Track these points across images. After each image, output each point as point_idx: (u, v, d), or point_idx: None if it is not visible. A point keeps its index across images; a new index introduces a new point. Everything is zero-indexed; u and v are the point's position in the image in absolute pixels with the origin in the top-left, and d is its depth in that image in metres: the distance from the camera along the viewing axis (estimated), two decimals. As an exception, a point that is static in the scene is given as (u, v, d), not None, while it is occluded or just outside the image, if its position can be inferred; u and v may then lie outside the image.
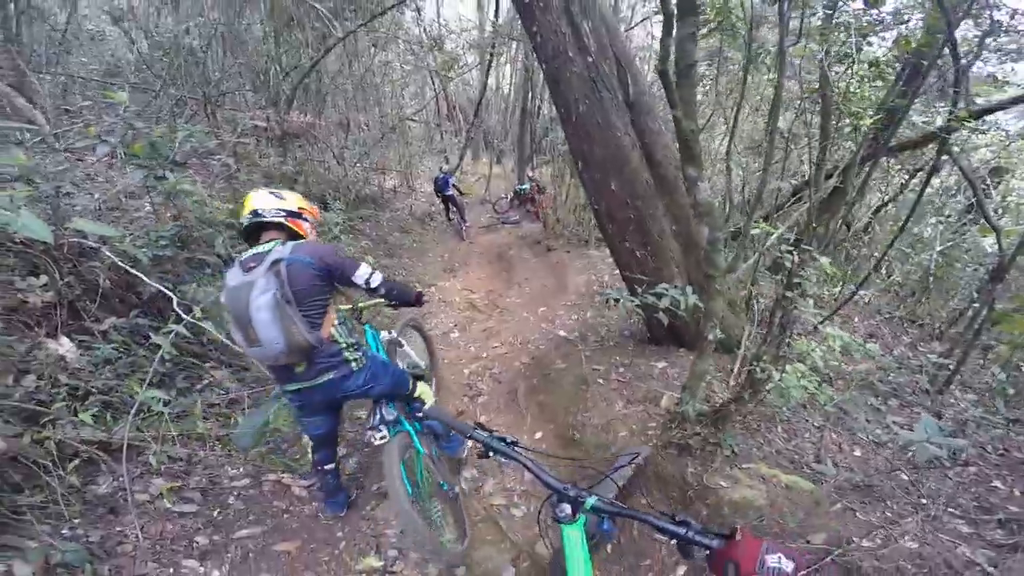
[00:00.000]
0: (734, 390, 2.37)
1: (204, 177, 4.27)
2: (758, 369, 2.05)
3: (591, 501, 1.08)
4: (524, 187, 10.68)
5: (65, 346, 2.28)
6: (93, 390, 2.47)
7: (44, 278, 2.59)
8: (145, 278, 2.42)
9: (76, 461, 2.18)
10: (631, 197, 3.20)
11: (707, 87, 6.86)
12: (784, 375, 1.94)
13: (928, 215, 5.35)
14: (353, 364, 2.04)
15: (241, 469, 2.59)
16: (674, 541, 0.96)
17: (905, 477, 2.31)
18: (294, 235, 2.00)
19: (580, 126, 3.18)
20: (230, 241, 3.34)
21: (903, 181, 5.28)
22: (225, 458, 2.61)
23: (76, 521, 2.07)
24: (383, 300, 2.24)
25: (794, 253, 2.12)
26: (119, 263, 2.56)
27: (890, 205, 5.45)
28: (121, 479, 2.19)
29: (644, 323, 3.93)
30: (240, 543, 2.22)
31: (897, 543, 1.83)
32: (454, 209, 9.99)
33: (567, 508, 1.09)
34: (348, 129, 9.28)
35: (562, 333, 4.59)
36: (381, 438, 2.14)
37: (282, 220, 1.96)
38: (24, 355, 2.36)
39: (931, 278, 4.84)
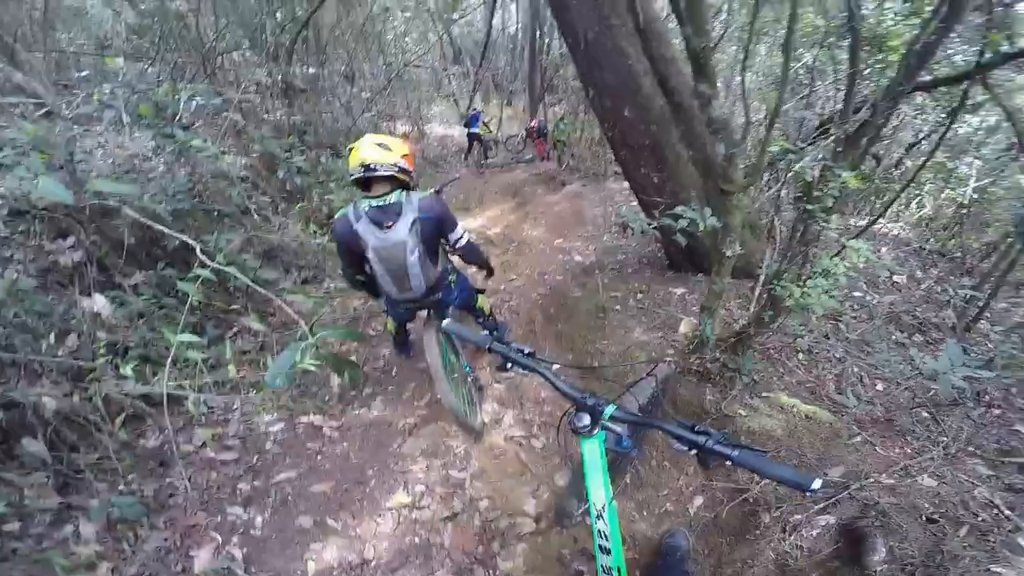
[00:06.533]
0: (754, 313, 2.34)
1: (213, 134, 4.27)
2: (778, 287, 2.01)
3: (610, 410, 1.09)
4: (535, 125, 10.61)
5: (99, 302, 2.33)
6: (131, 344, 2.58)
7: (71, 239, 2.66)
8: (167, 230, 2.47)
9: (123, 416, 2.27)
10: (645, 123, 3.14)
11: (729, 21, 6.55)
12: (805, 291, 1.89)
13: (966, 153, 5.09)
14: (452, 284, 2.49)
15: (275, 414, 2.70)
16: (693, 451, 0.96)
17: (926, 414, 2.26)
18: (401, 183, 2.20)
19: (590, 55, 3.08)
20: (245, 192, 3.37)
21: (939, 118, 5.00)
22: (260, 404, 2.73)
23: (130, 476, 2.18)
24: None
25: (813, 166, 2.03)
26: (140, 219, 2.60)
27: (924, 142, 5.19)
28: (166, 432, 2.29)
29: (662, 249, 3.90)
30: (279, 487, 2.32)
31: (915, 480, 1.80)
32: (479, 147, 10.29)
33: (586, 418, 1.10)
34: (353, 79, 9.11)
35: (579, 259, 4.58)
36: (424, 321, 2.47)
37: (394, 174, 2.12)
38: (63, 315, 2.46)
39: (965, 212, 4.65)
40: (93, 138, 3.87)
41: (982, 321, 3.12)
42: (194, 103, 3.48)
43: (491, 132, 10.84)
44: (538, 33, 11.80)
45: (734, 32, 6.79)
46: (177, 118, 3.26)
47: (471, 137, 10.28)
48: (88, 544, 1.87)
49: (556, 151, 9.41)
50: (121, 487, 2.13)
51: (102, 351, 2.33)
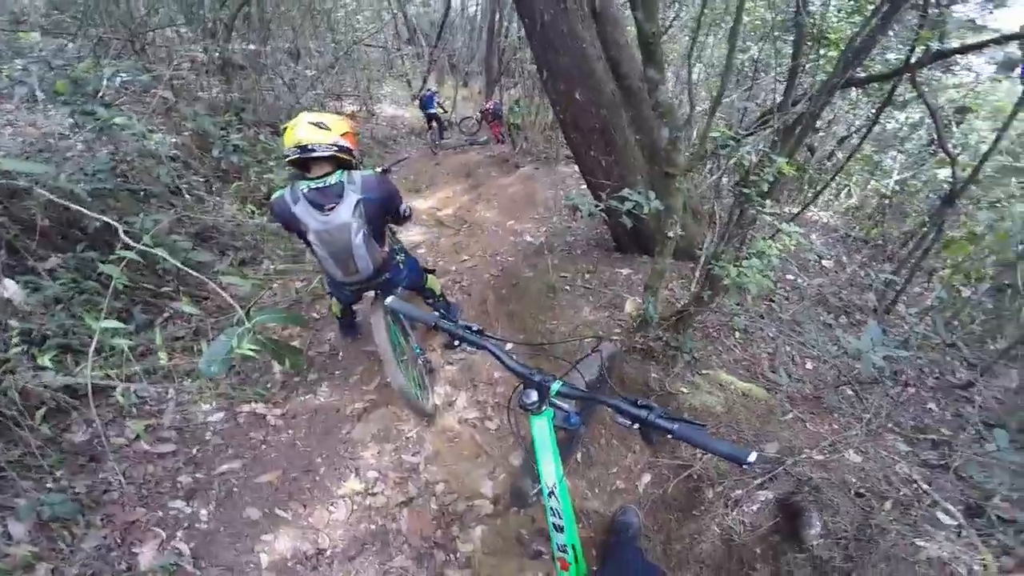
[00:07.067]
0: (694, 293, 2.44)
1: (141, 112, 3.99)
2: (717, 267, 2.10)
3: (556, 386, 1.10)
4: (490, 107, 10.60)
5: (10, 288, 2.16)
6: (48, 332, 2.39)
7: (-27, 221, 2.44)
8: (86, 211, 2.28)
9: (43, 410, 2.12)
10: (596, 107, 3.20)
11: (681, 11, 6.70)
12: (741, 271, 1.99)
13: (891, 147, 5.50)
14: (400, 264, 2.50)
15: (214, 403, 2.58)
16: (636, 425, 0.97)
17: (850, 392, 2.42)
18: (343, 162, 2.09)
19: (545, 36, 3.10)
20: (176, 171, 3.18)
21: (870, 114, 5.36)
22: (196, 393, 2.59)
23: (59, 473, 2.04)
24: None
25: (752, 153, 2.13)
26: (55, 200, 2.39)
27: (854, 136, 5.56)
28: (95, 425, 2.15)
29: (609, 231, 4.02)
30: (223, 479, 2.24)
31: (842, 456, 1.91)
32: (436, 128, 10.24)
33: (534, 394, 1.12)
34: (298, 57, 8.74)
35: (530, 240, 4.67)
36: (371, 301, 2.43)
37: (334, 153, 2.02)
38: (-34, 301, 2.24)
39: (887, 202, 5.03)
40: (4, 116, 3.55)
41: (900, 304, 3.39)
42: (118, 80, 3.27)
43: (445, 112, 10.74)
44: (497, 15, 11.70)
45: (687, 22, 6.96)
46: (99, 95, 3.04)
47: (429, 117, 10.22)
48: (21, 544, 1.76)
49: (510, 134, 9.40)
50: (50, 484, 1.99)
51: (15, 340, 2.15)
